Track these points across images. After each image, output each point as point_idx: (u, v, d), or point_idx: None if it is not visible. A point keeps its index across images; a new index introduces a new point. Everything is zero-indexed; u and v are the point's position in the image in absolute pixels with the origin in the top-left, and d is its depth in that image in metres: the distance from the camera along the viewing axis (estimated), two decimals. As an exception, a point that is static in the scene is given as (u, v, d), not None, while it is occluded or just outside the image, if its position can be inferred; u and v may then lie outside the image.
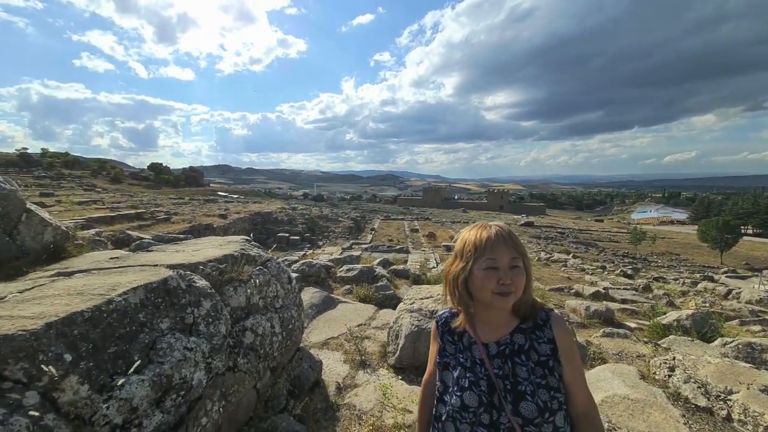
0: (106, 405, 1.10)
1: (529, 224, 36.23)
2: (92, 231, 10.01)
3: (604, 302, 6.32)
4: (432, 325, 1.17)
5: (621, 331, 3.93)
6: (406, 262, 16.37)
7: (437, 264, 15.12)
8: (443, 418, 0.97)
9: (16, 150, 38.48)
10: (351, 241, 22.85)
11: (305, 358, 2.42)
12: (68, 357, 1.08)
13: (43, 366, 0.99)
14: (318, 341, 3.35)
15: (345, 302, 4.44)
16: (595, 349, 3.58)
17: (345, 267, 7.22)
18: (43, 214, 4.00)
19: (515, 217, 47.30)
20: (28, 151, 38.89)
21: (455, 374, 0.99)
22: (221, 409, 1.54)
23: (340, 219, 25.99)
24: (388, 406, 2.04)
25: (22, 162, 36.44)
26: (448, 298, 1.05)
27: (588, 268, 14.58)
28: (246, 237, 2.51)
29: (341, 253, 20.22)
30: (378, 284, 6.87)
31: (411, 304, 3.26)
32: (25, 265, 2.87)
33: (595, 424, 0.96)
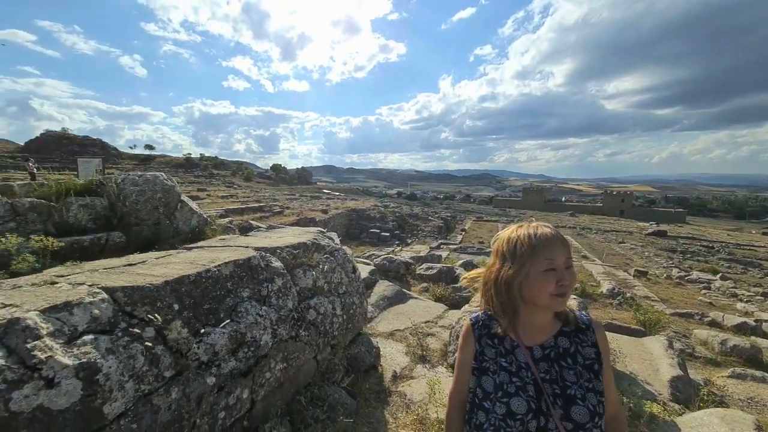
0: (197, 346, 1.47)
1: (661, 234, 29.91)
2: (226, 219, 12.42)
3: (752, 337, 4.91)
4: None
5: (759, 373, 3.05)
6: (495, 266, 15.43)
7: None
8: (485, 427, 0.92)
9: (182, 155, 49.97)
10: (440, 241, 22.70)
11: (364, 343, 2.63)
12: (176, 306, 1.48)
13: (152, 315, 1.40)
14: (384, 331, 3.55)
15: (417, 299, 4.55)
16: (715, 390, 2.88)
17: (425, 265, 7.30)
18: (192, 204, 5.20)
19: (641, 224, 39.65)
20: (191, 155, 50.04)
21: (498, 379, 0.94)
22: (283, 369, 1.85)
23: (430, 218, 26.06)
24: (435, 401, 2.09)
25: (187, 164, 47.06)
26: (492, 301, 0.99)
27: (743, 294, 11.38)
28: (321, 229, 2.86)
29: (428, 251, 20.26)
30: (456, 285, 6.75)
31: (477, 306, 3.18)
32: (177, 243, 3.83)
33: (624, 427, 1.00)
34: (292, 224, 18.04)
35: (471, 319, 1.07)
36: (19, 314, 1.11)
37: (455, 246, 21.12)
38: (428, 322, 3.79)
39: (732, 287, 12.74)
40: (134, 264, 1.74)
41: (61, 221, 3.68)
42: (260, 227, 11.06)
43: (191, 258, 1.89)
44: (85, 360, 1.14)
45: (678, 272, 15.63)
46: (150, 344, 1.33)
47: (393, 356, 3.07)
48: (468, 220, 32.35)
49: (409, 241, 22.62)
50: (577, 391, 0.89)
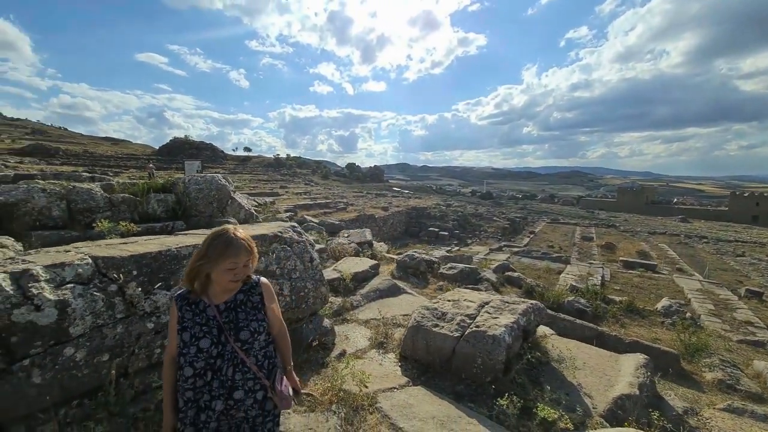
0: (144, 301, 2.11)
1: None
2: (288, 214, 13.98)
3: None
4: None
5: (762, 410, 2.57)
6: (559, 273, 14.25)
7: (601, 281, 12.39)
8: (183, 365, 1.33)
9: (273, 156, 56.41)
10: (502, 243, 21.58)
11: (314, 322, 3.07)
12: (135, 272, 2.14)
13: (120, 275, 2.06)
14: (363, 318, 3.92)
15: (409, 294, 4.77)
16: (692, 422, 2.54)
17: (449, 264, 7.33)
18: (242, 200, 6.24)
19: (784, 234, 31.24)
20: (279, 156, 56.20)
21: (192, 331, 1.35)
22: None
23: (495, 218, 24.86)
24: (344, 376, 2.44)
25: (276, 163, 53.07)
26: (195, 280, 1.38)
27: None
28: (293, 224, 3.37)
29: (488, 252, 19.48)
30: (477, 287, 6.69)
31: (434, 303, 3.34)
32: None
33: (286, 340, 1.58)
34: (352, 220, 19.20)
35: (175, 297, 1.42)
36: (31, 267, 1.85)
37: (519, 249, 19.85)
38: (406, 315, 4.02)
39: None
40: (128, 243, 2.48)
41: (143, 212, 4.92)
42: (313, 222, 12.21)
43: (168, 241, 2.58)
44: (62, 298, 1.83)
45: (814, 297, 12.24)
46: (110, 295, 1.99)
47: (356, 340, 3.44)
48: (541, 221, 29.80)
49: (469, 241, 22.01)
50: (243, 323, 1.38)
